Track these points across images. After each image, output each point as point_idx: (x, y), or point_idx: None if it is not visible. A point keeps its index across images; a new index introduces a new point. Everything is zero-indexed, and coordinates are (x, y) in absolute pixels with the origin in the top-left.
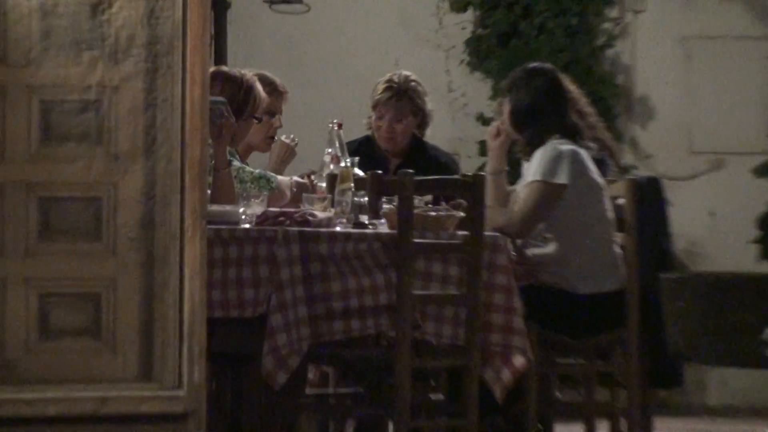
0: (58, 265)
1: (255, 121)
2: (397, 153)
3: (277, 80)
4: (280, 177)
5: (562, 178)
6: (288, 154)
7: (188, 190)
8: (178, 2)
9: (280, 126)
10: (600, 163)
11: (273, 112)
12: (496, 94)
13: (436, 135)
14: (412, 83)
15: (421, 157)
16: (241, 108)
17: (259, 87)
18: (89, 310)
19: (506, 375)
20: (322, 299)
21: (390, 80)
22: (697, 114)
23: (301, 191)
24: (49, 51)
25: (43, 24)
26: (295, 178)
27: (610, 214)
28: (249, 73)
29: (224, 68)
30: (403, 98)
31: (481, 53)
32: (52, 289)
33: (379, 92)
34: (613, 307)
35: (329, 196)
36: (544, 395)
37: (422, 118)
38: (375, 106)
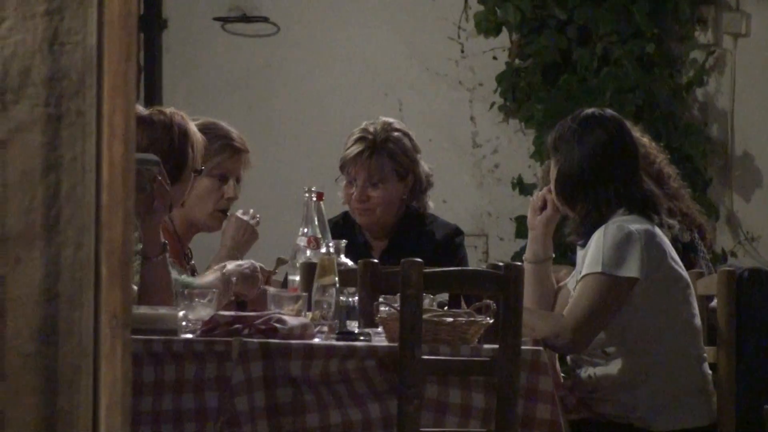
0: None
1: (194, 175)
2: (380, 233)
3: (234, 132)
4: (231, 265)
5: (631, 269)
6: (247, 234)
7: (105, 288)
8: (91, 21)
9: (236, 197)
10: (686, 249)
11: (225, 176)
12: (540, 151)
13: (454, 207)
14: (395, 133)
15: (418, 238)
16: (176, 164)
17: (193, 128)
18: None
19: None
20: None
21: (363, 129)
22: None
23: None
24: None
25: None
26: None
27: (698, 320)
28: (177, 112)
29: (140, 108)
30: (380, 153)
31: (518, 93)
32: None
33: (347, 147)
34: None
35: (304, 294)
36: None
37: (415, 183)
38: (342, 167)
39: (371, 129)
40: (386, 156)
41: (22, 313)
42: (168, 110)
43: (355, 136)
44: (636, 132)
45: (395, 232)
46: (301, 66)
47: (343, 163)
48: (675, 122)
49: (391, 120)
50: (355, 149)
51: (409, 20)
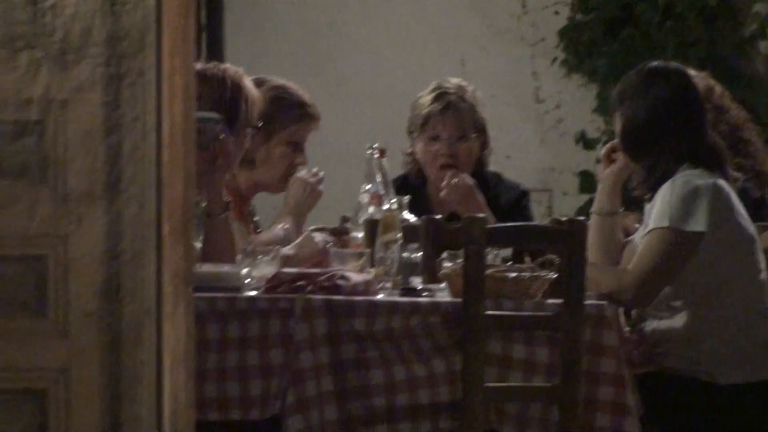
0: None
1: (250, 132)
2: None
3: (307, 98)
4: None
5: (698, 224)
6: (309, 194)
7: (168, 246)
8: None
9: (304, 163)
10: (757, 205)
11: (298, 143)
12: (603, 105)
13: (518, 162)
14: (470, 89)
15: (487, 194)
16: (227, 118)
17: (248, 84)
18: (31, 412)
19: None
20: (360, 394)
21: (439, 86)
22: None
23: (325, 245)
24: None
25: None
26: (317, 235)
27: (764, 274)
28: (232, 67)
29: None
30: (463, 109)
31: (581, 48)
32: None
33: (427, 105)
34: (766, 403)
35: (367, 250)
36: None
37: (485, 141)
38: (423, 125)
39: (448, 86)
40: (468, 111)
41: (86, 272)
42: (223, 65)
43: (433, 94)
44: (718, 89)
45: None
46: (364, 25)
47: (424, 120)
48: (738, 76)
49: (459, 80)
50: (438, 105)
51: None
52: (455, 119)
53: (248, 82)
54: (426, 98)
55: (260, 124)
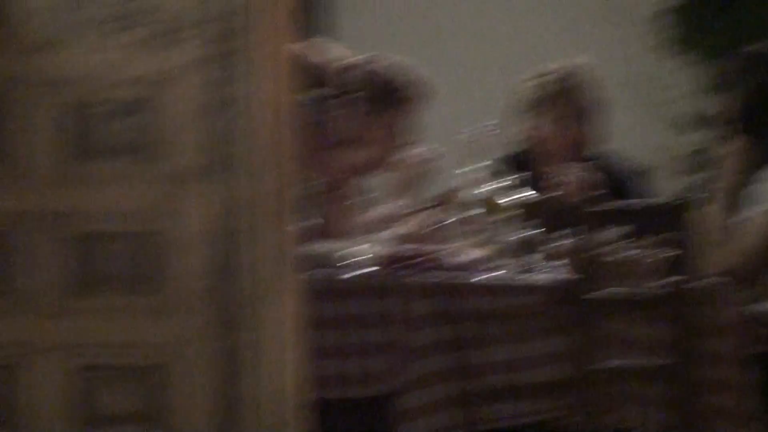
0: (104, 327)
1: (361, 112)
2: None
3: (420, 77)
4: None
5: None
6: (423, 172)
7: (281, 222)
8: None
9: (416, 141)
10: None
11: (411, 122)
12: (712, 84)
13: (625, 142)
14: (581, 71)
15: (601, 173)
16: (342, 99)
17: (360, 63)
18: (142, 391)
19: None
20: (479, 372)
21: (560, 69)
22: None
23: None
24: (76, 29)
25: None
26: (432, 213)
27: None
28: (342, 47)
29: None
30: (581, 91)
31: (690, 22)
32: (97, 360)
33: (539, 88)
34: None
35: (484, 229)
36: None
37: (594, 122)
38: (536, 107)
39: (559, 69)
40: (578, 94)
41: (200, 249)
42: (334, 44)
43: (545, 78)
44: None
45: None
46: (474, 4)
47: (537, 103)
48: None
49: (570, 62)
50: (556, 87)
51: None
52: (566, 103)
53: (360, 61)
54: (538, 81)
55: (372, 103)
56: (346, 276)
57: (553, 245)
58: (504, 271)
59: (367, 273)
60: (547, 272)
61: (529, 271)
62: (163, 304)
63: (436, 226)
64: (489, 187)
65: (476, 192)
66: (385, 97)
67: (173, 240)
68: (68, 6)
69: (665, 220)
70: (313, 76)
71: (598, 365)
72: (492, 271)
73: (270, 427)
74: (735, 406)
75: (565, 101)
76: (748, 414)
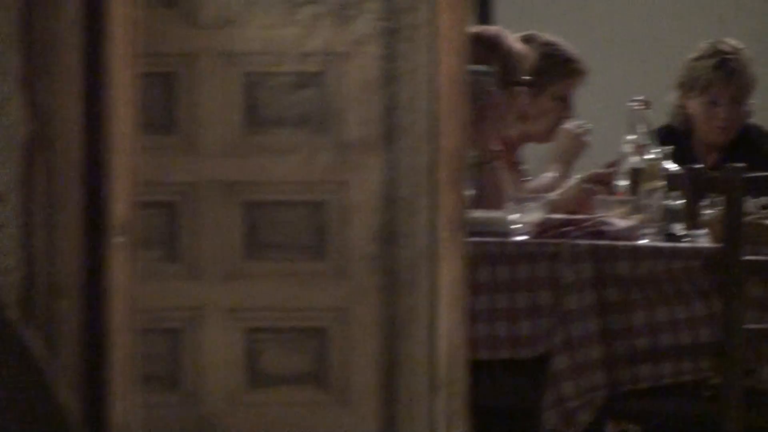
0: (270, 291)
1: (519, 87)
2: (718, 146)
3: (576, 54)
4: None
5: None
6: (576, 144)
7: (442, 192)
8: None
9: (571, 115)
10: None
11: (567, 97)
12: None
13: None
14: (745, 51)
15: (748, 148)
16: (499, 74)
17: (515, 45)
18: (311, 350)
19: None
20: (623, 335)
21: (719, 51)
22: None
23: (594, 193)
24: (254, 7)
25: None
26: (582, 183)
27: None
28: (499, 28)
29: None
30: (744, 75)
31: None
32: (263, 323)
33: (706, 69)
34: None
35: (631, 198)
36: None
37: (746, 101)
38: (705, 89)
39: (728, 50)
40: (746, 76)
41: (363, 217)
42: (493, 28)
43: (714, 59)
44: None
45: (728, 145)
46: None
47: (707, 83)
48: None
49: (733, 41)
50: (721, 73)
51: None
52: (736, 86)
53: (515, 41)
54: (708, 62)
55: (530, 79)
56: (497, 243)
57: (697, 214)
58: (649, 239)
59: (517, 240)
60: (691, 239)
61: (673, 238)
62: (328, 270)
63: (588, 196)
64: (640, 158)
65: (627, 163)
66: (546, 73)
67: (340, 209)
68: None
69: None
70: (482, 53)
71: (738, 328)
72: (638, 239)
73: (428, 388)
74: None
75: (735, 87)
76: None
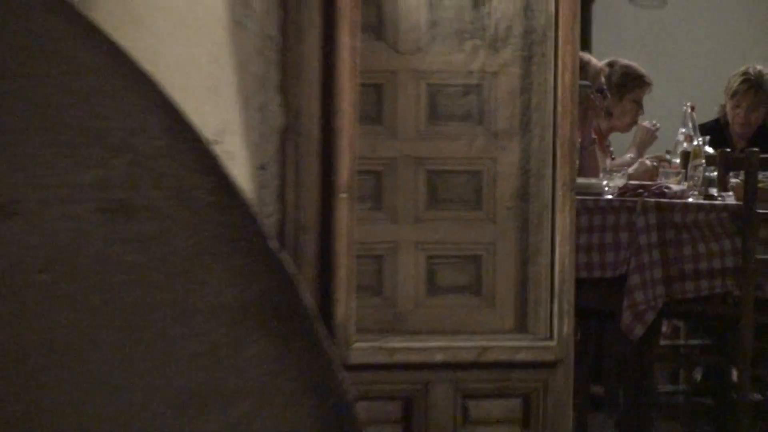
0: (444, 231)
1: (600, 95)
2: (746, 136)
3: (644, 72)
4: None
5: None
6: (650, 137)
7: (559, 165)
8: None
9: (642, 114)
10: None
11: (640, 101)
12: None
13: None
14: (764, 73)
15: (764, 139)
16: (594, 87)
17: (599, 66)
18: (471, 271)
19: None
20: (676, 262)
21: (746, 73)
22: None
23: (658, 168)
24: (435, 40)
25: (430, 15)
26: (646, 161)
27: None
28: (591, 57)
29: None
30: (759, 90)
31: None
32: (438, 252)
33: (736, 84)
34: None
35: (683, 171)
36: None
37: None
38: (733, 96)
39: (751, 72)
40: (762, 92)
41: (506, 181)
42: (586, 55)
43: (741, 77)
44: None
45: (753, 136)
46: (680, 30)
47: (733, 94)
48: None
49: (760, 67)
50: (743, 86)
51: None
52: (752, 96)
53: (599, 65)
54: (736, 78)
55: (617, 89)
56: (593, 200)
57: (726, 182)
58: (694, 198)
59: (607, 198)
60: (722, 198)
61: (711, 197)
62: (482, 217)
63: (654, 170)
64: (689, 144)
65: (681, 148)
66: (625, 85)
67: (490, 176)
68: (429, 26)
69: None
70: (584, 71)
71: (752, 258)
72: (687, 197)
73: (548, 296)
74: None
75: (751, 96)
76: None
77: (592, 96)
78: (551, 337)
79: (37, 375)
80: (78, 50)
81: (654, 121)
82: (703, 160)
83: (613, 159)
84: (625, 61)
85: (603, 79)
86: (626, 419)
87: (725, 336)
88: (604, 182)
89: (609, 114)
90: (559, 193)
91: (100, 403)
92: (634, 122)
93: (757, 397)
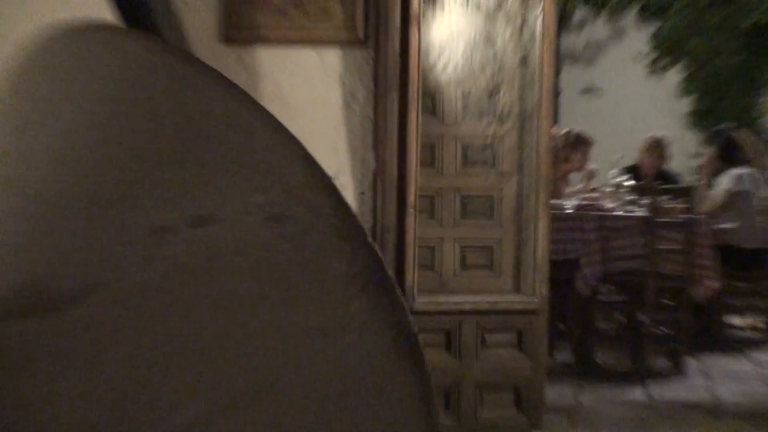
0: (471, 231)
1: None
2: (651, 175)
3: (589, 136)
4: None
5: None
6: (592, 175)
7: (540, 193)
8: (535, 93)
9: (589, 160)
10: None
11: (586, 153)
12: None
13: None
14: (663, 140)
15: (665, 177)
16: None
17: (562, 132)
18: (487, 255)
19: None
20: (609, 250)
21: (653, 137)
22: None
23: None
24: (466, 117)
25: (463, 102)
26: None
27: None
28: (557, 128)
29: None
30: (658, 148)
31: None
32: (467, 244)
33: (646, 144)
34: None
35: (614, 194)
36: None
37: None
38: (644, 151)
39: (656, 137)
40: (661, 148)
41: (509, 202)
42: (555, 127)
43: (649, 140)
44: None
45: (655, 176)
46: (615, 116)
47: (645, 149)
48: None
49: (661, 134)
50: (650, 145)
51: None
52: (654, 151)
53: (566, 131)
54: (648, 140)
55: (571, 147)
56: (560, 211)
57: (639, 202)
58: (620, 211)
59: (568, 212)
60: (638, 212)
61: (630, 211)
62: (494, 224)
63: (597, 195)
64: (619, 179)
65: (614, 181)
66: (577, 144)
67: (499, 199)
68: (463, 108)
69: (683, 194)
70: (554, 137)
71: (656, 249)
72: (617, 210)
73: (533, 269)
74: (702, 262)
75: (656, 149)
76: (706, 266)
77: (560, 151)
78: (535, 295)
79: (239, 327)
80: (251, 119)
81: (595, 166)
82: (626, 189)
83: (570, 188)
84: (578, 130)
85: (565, 141)
86: (578, 344)
87: (637, 295)
88: (566, 203)
89: (567, 161)
90: (540, 209)
91: (269, 335)
92: (582, 166)
93: (657, 331)
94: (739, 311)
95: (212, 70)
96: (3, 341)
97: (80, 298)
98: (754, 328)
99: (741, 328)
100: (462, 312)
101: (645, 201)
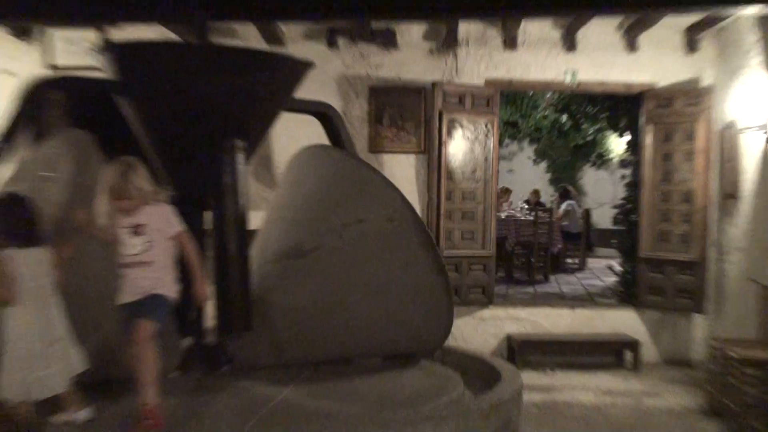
0: (466, 225)
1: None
2: (535, 203)
3: (509, 188)
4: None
5: None
6: (511, 204)
7: (492, 209)
8: (490, 171)
9: (510, 198)
10: None
11: (507, 195)
12: None
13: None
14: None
15: (540, 204)
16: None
17: (504, 188)
18: (471, 234)
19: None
20: (519, 232)
21: (561, 187)
22: None
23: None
24: (462, 180)
25: (462, 174)
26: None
27: None
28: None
29: None
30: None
31: None
32: (464, 228)
33: (498, 191)
34: None
35: (521, 210)
36: None
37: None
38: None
39: (564, 186)
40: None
41: (480, 213)
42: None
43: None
44: None
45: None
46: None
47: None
48: None
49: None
50: (507, 195)
51: None
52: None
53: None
54: (531, 192)
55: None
56: (500, 217)
57: (531, 213)
58: (522, 217)
59: (503, 217)
60: (530, 217)
61: (527, 217)
62: (477, 222)
63: (513, 211)
64: (522, 205)
65: (520, 205)
66: (506, 191)
67: (477, 213)
68: (460, 176)
69: (547, 211)
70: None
71: (538, 231)
72: (521, 217)
73: (490, 240)
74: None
75: (535, 193)
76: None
77: (499, 194)
78: (490, 250)
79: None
80: (379, 179)
81: (512, 200)
82: (524, 209)
83: (503, 209)
84: (506, 185)
85: (502, 191)
86: (507, 269)
87: (530, 250)
88: (502, 214)
89: (501, 198)
90: (492, 216)
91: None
92: (508, 200)
93: (538, 264)
94: (570, 257)
95: (366, 162)
96: (285, 269)
97: (312, 251)
98: (575, 263)
99: (571, 264)
100: (461, 257)
101: (532, 213)
